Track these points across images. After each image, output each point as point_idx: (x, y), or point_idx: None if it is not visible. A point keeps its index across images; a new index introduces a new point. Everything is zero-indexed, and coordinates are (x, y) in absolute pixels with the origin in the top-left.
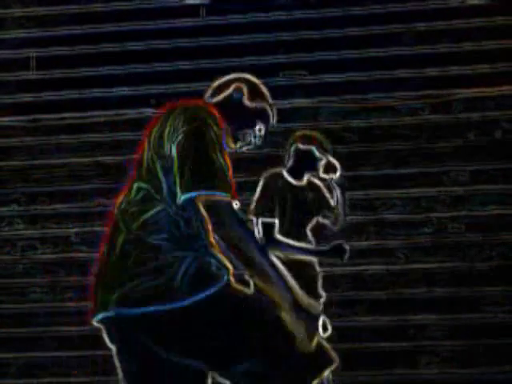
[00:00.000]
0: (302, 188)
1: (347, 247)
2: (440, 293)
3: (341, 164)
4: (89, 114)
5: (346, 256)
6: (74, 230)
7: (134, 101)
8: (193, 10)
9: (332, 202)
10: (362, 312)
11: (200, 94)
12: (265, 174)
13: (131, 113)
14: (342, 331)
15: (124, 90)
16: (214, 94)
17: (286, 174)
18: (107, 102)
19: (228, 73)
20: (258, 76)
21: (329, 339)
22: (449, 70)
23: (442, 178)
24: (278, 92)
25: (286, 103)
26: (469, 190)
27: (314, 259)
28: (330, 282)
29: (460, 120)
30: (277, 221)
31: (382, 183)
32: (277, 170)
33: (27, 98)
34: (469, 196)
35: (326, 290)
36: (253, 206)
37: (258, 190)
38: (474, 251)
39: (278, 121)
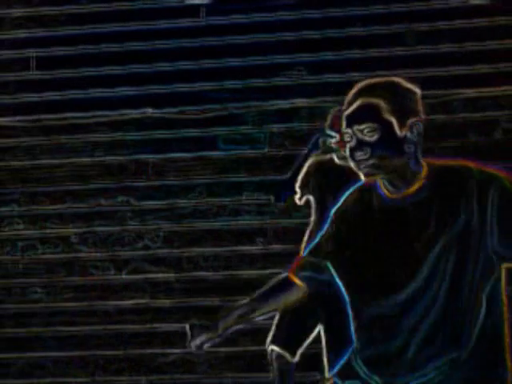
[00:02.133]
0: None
1: None
2: None
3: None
4: (90, 114)
5: None
6: (74, 230)
7: (135, 101)
8: (195, 11)
9: None
10: None
11: (201, 94)
12: (310, 161)
13: (132, 113)
14: None
15: (125, 90)
16: None
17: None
18: (108, 102)
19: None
20: (260, 76)
21: None
22: (449, 70)
23: None
24: (278, 92)
25: (286, 103)
26: None
27: None
28: None
29: (460, 120)
30: None
31: None
32: (322, 157)
33: (27, 98)
34: None
35: None
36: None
37: (300, 176)
38: None
39: (278, 121)
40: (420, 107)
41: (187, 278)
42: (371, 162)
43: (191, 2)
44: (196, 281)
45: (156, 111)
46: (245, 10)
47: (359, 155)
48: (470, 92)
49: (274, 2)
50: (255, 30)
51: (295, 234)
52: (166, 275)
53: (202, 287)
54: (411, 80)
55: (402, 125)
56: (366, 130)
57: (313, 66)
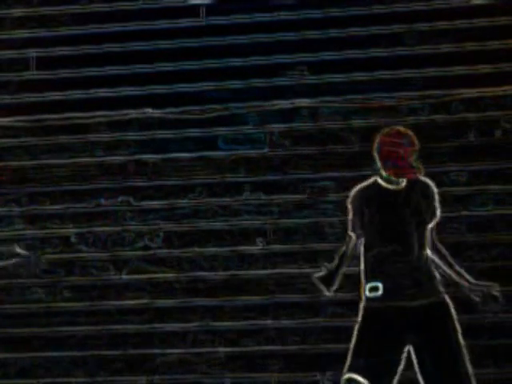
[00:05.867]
0: (401, 192)
1: (497, 294)
2: None
3: (341, 164)
4: (90, 114)
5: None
6: (74, 230)
7: (136, 101)
8: (196, 11)
9: None
10: None
11: (202, 94)
12: (352, 191)
13: (133, 113)
14: (341, 331)
15: (126, 90)
16: None
17: (380, 181)
18: (109, 102)
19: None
20: (260, 76)
21: (329, 339)
22: (449, 70)
23: (442, 178)
24: (278, 92)
25: (286, 103)
26: (469, 190)
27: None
28: None
29: (460, 120)
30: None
31: None
32: (363, 184)
33: (27, 98)
34: (469, 196)
35: None
36: (349, 226)
37: (350, 208)
38: (474, 251)
39: (279, 121)
40: None
41: (187, 277)
42: None
43: (192, 1)
44: (196, 281)
45: (157, 111)
46: (245, 10)
47: None
48: (471, 92)
49: (274, 2)
50: (256, 29)
51: (295, 234)
52: (165, 275)
53: (202, 287)
54: None
55: None
56: None
57: (314, 65)
